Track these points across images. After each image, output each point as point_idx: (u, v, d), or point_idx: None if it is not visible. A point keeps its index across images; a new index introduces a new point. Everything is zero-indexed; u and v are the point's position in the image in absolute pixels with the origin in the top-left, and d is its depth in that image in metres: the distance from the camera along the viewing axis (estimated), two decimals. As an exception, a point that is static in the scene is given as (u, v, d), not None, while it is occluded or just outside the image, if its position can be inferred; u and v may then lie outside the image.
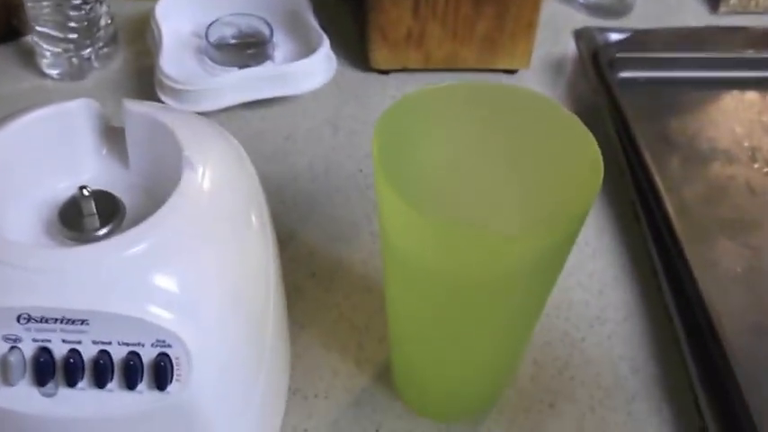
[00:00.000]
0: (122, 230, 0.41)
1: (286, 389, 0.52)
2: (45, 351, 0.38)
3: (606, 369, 0.56)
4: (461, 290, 0.41)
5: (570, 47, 0.81)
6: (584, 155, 0.41)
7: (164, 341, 0.38)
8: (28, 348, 0.38)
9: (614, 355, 0.57)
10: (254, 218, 0.45)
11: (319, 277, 0.61)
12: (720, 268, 0.61)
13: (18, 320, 0.37)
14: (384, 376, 0.55)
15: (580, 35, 0.80)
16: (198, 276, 0.40)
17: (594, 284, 0.61)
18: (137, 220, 0.40)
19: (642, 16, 0.88)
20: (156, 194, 0.43)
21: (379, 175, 0.39)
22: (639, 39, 0.79)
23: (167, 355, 0.38)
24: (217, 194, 0.42)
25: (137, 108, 0.45)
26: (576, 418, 0.53)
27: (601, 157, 0.40)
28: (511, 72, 0.79)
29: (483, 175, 0.47)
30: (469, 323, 0.44)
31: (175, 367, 0.38)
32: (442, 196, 0.47)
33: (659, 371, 0.56)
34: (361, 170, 0.69)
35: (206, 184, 0.42)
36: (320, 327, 0.57)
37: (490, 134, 0.45)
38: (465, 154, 0.46)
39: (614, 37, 0.79)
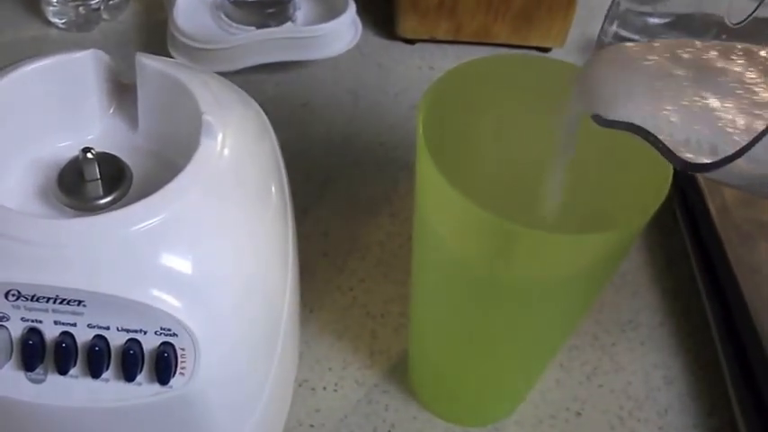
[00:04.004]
0: (128, 200, 0.37)
1: (293, 379, 0.48)
2: (35, 332, 0.34)
3: (638, 378, 0.52)
4: (505, 290, 0.37)
5: (607, 28, 0.77)
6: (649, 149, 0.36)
7: (168, 329, 0.34)
8: (16, 328, 0.34)
9: (647, 362, 0.53)
10: (274, 193, 0.41)
11: (332, 257, 0.57)
12: (763, 275, 0.57)
13: (6, 297, 0.33)
14: (399, 370, 0.51)
15: (618, 16, 0.75)
16: (212, 258, 0.35)
17: (628, 285, 0.57)
18: (144, 189, 0.36)
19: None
20: (167, 161, 0.39)
21: (424, 157, 0.35)
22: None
23: (172, 345, 0.34)
24: (237, 165, 0.38)
25: (152, 63, 0.40)
26: (604, 430, 0.49)
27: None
28: (543, 50, 0.74)
29: (535, 161, 0.42)
30: (506, 325, 0.40)
31: (180, 359, 0.34)
32: (488, 181, 0.42)
33: (696, 383, 0.52)
34: (381, 143, 0.65)
35: (226, 153, 0.37)
36: (331, 312, 0.53)
37: (545, 117, 0.41)
38: (516, 136, 0.42)
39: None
